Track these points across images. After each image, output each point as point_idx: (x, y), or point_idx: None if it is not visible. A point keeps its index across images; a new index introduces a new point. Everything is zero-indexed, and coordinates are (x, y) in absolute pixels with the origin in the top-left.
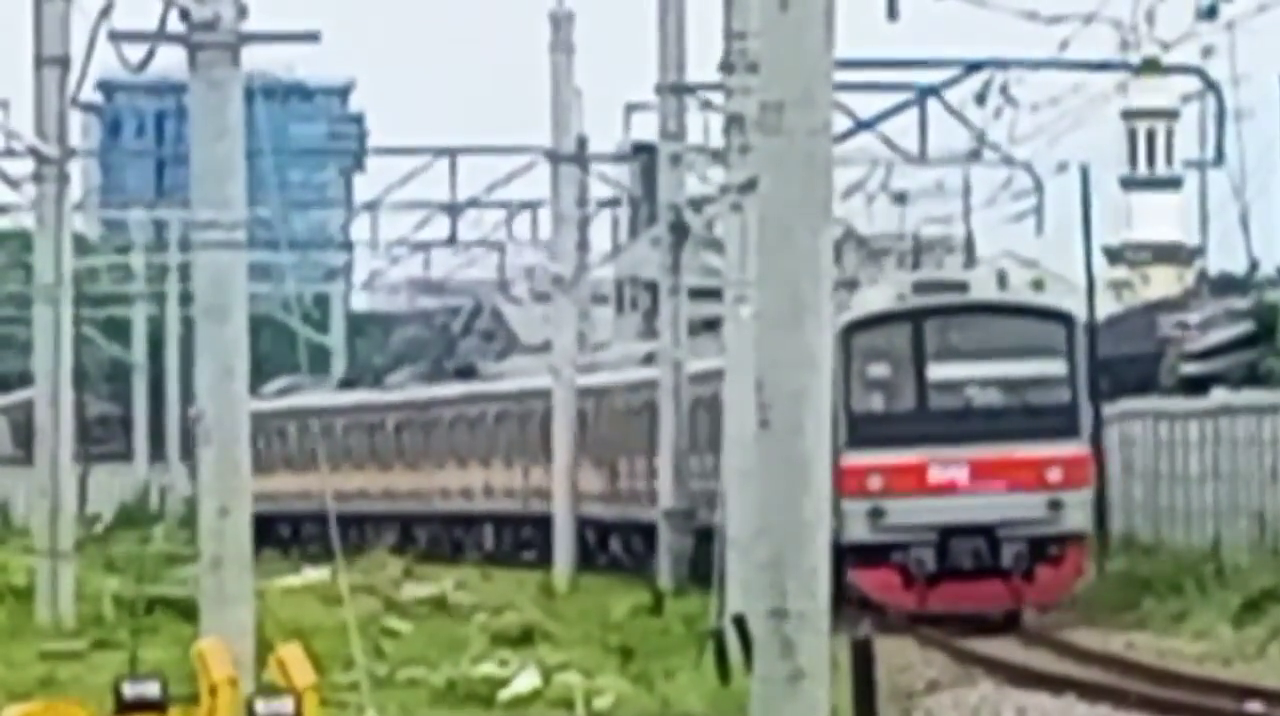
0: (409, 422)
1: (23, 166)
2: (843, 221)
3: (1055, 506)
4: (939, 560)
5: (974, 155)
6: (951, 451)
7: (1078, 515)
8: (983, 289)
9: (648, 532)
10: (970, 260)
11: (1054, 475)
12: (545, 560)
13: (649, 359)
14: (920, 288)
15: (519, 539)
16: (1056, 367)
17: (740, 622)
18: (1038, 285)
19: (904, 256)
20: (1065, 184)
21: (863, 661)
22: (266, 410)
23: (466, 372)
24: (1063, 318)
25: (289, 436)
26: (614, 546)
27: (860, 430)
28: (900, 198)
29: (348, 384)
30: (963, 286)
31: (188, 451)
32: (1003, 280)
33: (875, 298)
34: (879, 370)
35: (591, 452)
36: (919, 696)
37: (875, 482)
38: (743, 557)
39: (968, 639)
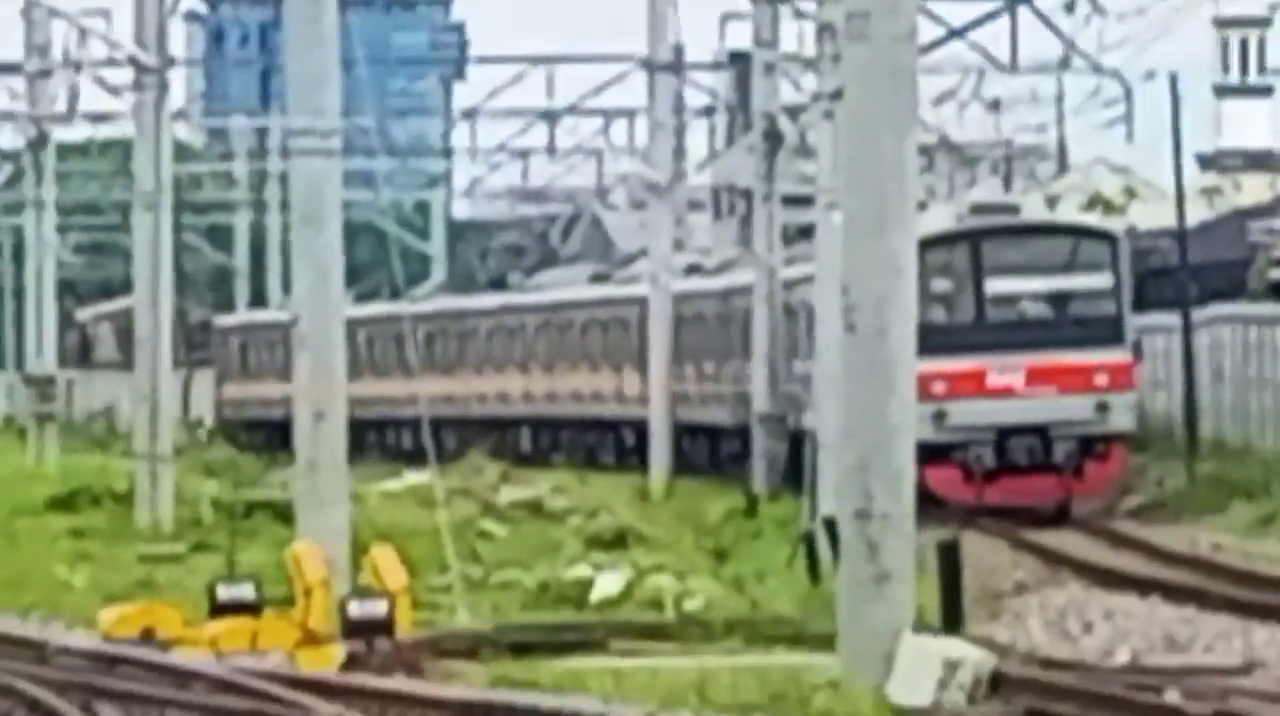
0: (441, 332)
1: (124, 75)
2: (936, 128)
3: (1102, 408)
4: (996, 457)
5: (1064, 63)
6: (1008, 358)
7: (1123, 416)
8: (1033, 211)
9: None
10: (1063, 167)
11: (1101, 380)
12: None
13: (691, 270)
14: (976, 209)
15: (555, 440)
16: (1102, 282)
17: (830, 525)
18: (1129, 193)
19: (997, 163)
20: (1158, 91)
21: (949, 563)
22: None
23: (499, 284)
24: (1107, 236)
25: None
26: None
27: (925, 339)
28: (994, 105)
29: (361, 298)
30: (1015, 209)
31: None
32: (1052, 203)
33: (935, 219)
34: (941, 285)
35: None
36: (1007, 597)
37: (939, 387)
38: (834, 461)
39: (1053, 538)
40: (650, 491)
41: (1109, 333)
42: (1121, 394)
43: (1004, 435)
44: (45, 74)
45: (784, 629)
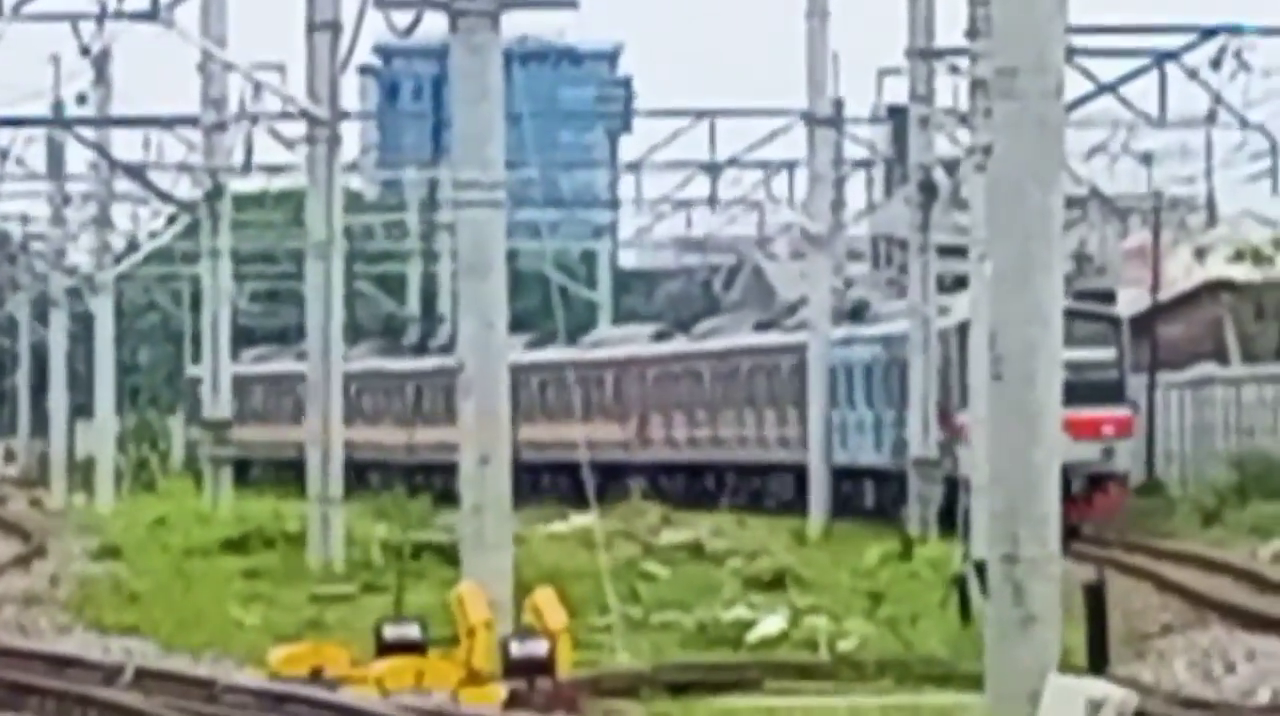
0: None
1: (297, 128)
2: (1088, 181)
3: (1108, 452)
4: None
5: (1210, 118)
6: None
7: (1124, 459)
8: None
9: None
10: (1212, 219)
11: (1107, 429)
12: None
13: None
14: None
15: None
16: (1108, 355)
17: (980, 568)
18: (1277, 244)
19: (1147, 215)
20: None
21: (1095, 605)
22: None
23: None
24: (1114, 320)
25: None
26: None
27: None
28: (1145, 158)
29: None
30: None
31: None
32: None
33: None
34: None
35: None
36: (1152, 638)
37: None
38: (984, 505)
39: (1198, 580)
40: (808, 534)
41: (1114, 392)
42: (1124, 441)
43: None
44: (221, 127)
45: (934, 669)
